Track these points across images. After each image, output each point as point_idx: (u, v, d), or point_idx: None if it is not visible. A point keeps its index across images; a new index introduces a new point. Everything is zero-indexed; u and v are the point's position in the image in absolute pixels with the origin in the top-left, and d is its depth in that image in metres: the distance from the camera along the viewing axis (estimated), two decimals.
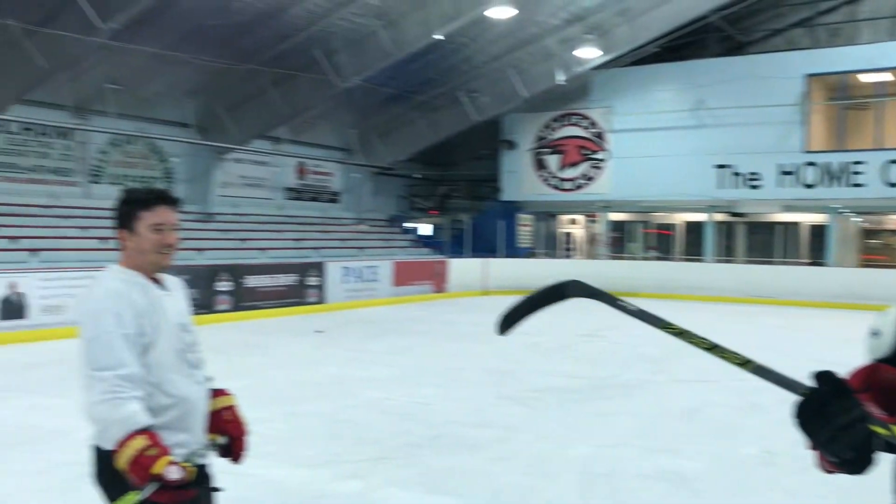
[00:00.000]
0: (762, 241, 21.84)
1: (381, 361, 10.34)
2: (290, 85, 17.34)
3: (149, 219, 2.47)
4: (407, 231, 24.39)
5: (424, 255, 21.70)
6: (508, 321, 2.19)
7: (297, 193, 21.75)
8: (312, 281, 16.80)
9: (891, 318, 2.03)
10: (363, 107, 20.56)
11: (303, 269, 16.71)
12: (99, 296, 2.41)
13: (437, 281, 20.36)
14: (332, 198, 22.95)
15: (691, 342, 1.79)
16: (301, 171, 21.85)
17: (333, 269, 17.34)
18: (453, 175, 26.51)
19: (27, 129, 15.48)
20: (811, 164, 19.56)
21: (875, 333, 2.02)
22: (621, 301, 1.95)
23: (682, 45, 21.29)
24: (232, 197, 19.51)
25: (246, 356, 10.55)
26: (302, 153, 21.36)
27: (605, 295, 2.00)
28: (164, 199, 2.52)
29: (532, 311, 2.18)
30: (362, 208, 23.24)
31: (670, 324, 1.84)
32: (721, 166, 20.54)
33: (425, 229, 26.10)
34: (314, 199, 22.27)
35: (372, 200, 23.67)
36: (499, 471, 5.53)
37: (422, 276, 19.98)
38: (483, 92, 20.93)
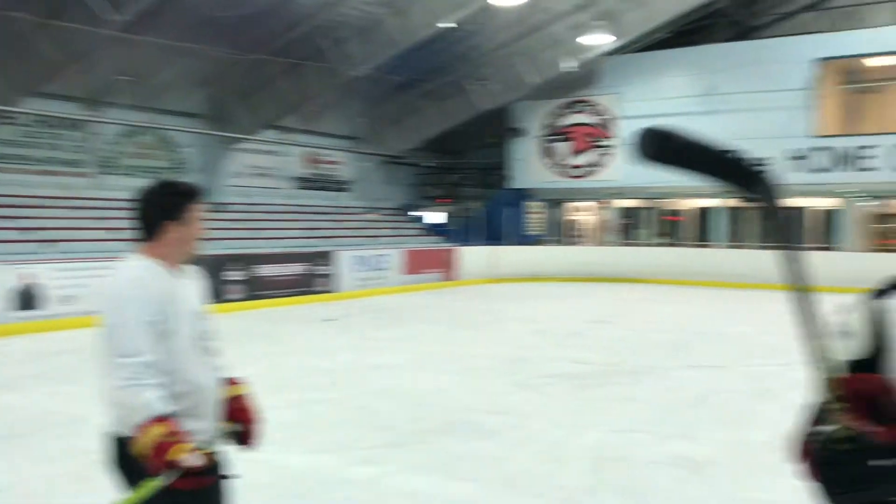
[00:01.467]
0: (773, 227, 21.71)
1: (393, 349, 10.39)
2: (299, 74, 17.35)
3: (196, 210, 2.60)
4: (417, 219, 24.41)
5: (435, 244, 21.73)
6: (665, 152, 1.76)
7: (307, 183, 21.80)
8: (323, 270, 16.87)
9: (860, 315, 1.88)
10: (372, 95, 20.56)
11: (314, 258, 16.77)
12: (121, 284, 2.45)
13: (448, 269, 20.40)
14: (342, 187, 22.98)
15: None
16: (311, 161, 21.89)
17: (344, 258, 17.40)
18: (463, 163, 26.49)
19: (39, 121, 15.56)
20: (821, 148, 19.46)
21: (846, 333, 1.87)
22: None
23: (692, 30, 21.16)
24: (243, 187, 19.58)
25: (257, 344, 10.62)
26: (311, 142, 21.38)
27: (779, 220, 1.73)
28: (201, 192, 2.69)
29: (698, 165, 1.76)
30: (372, 197, 23.27)
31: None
32: None
33: (435, 217, 26.12)
34: (324, 189, 22.31)
35: (382, 189, 23.68)
36: (513, 457, 5.57)
37: (432, 265, 20.02)
38: (491, 79, 20.87)
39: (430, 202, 26.27)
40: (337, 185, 22.79)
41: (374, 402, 7.20)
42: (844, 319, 1.89)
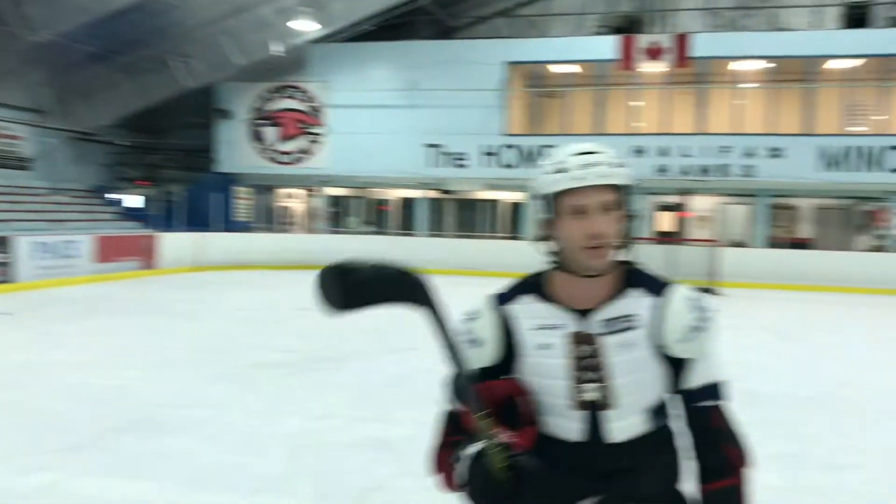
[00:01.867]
0: (468, 217, 23.30)
1: (79, 344, 9.58)
2: None
3: None
4: (112, 203, 22.67)
5: (132, 229, 20.34)
6: (346, 300, 1.80)
7: None
8: None
9: (486, 321, 1.89)
10: (60, 65, 18.68)
11: None
12: None
13: (146, 256, 19.22)
14: (22, 164, 20.63)
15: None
16: None
17: (23, 244, 15.67)
18: (164, 144, 25.05)
19: None
20: (510, 146, 21.21)
21: (473, 341, 1.87)
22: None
23: (396, 25, 21.91)
24: None
25: None
26: None
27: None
28: None
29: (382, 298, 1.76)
30: (59, 177, 21.14)
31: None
32: (431, 145, 21.55)
33: (133, 201, 24.46)
34: (0, 166, 19.88)
35: (71, 169, 21.62)
36: (203, 451, 5.40)
37: (129, 252, 18.73)
38: (196, 57, 19.97)
39: (128, 184, 24.54)
40: (15, 163, 20.39)
41: (51, 403, 6.59)
42: (471, 327, 1.88)
